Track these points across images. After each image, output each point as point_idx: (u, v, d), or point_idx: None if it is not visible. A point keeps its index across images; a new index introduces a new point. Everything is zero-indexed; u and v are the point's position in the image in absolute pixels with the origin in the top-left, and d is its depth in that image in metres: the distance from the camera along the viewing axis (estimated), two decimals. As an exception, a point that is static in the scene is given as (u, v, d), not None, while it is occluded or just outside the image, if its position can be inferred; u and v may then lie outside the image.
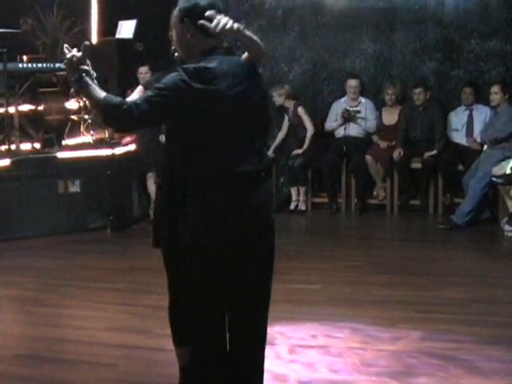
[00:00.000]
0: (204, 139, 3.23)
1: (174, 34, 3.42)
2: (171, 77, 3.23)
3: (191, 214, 3.29)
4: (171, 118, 3.29)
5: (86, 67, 3.32)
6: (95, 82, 3.34)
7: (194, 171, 3.28)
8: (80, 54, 3.34)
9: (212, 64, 3.23)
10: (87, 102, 3.37)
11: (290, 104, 9.96)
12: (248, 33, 3.28)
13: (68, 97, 8.86)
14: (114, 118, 3.26)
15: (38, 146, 8.66)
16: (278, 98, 9.88)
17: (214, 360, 3.40)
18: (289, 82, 10.19)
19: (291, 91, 10.01)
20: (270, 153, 9.54)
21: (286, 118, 10.00)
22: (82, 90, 3.32)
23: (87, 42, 3.41)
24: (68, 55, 3.31)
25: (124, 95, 7.13)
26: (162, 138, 4.19)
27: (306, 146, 9.78)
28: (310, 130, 9.86)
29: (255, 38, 3.33)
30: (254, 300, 3.44)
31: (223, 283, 3.34)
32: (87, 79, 3.29)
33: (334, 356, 4.85)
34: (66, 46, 3.35)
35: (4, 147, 8.34)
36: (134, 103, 3.18)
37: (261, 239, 3.38)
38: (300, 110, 9.89)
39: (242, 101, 3.27)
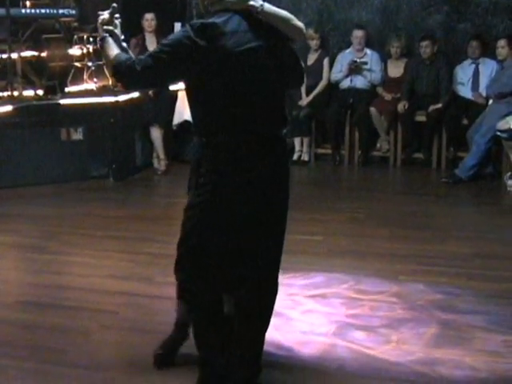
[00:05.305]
0: (217, 98, 3.23)
1: None
2: (177, 33, 3.27)
3: (205, 174, 3.32)
4: (177, 75, 3.34)
5: (110, 27, 3.44)
6: (122, 43, 3.46)
7: (208, 130, 3.30)
8: (107, 15, 3.47)
9: (221, 19, 3.22)
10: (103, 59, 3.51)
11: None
12: (270, 10, 3.32)
13: (71, 43, 8.79)
14: (119, 74, 3.31)
15: (40, 92, 8.61)
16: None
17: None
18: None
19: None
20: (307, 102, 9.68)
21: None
22: (102, 49, 3.42)
23: (115, 5, 3.51)
24: (100, 17, 3.47)
25: (128, 44, 7.06)
26: None
27: (312, 96, 9.74)
28: (324, 80, 9.83)
29: (281, 15, 3.36)
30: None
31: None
32: (109, 39, 3.40)
33: (334, 306, 4.88)
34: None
35: (6, 93, 8.30)
36: (138, 59, 3.25)
37: (274, 197, 3.43)
38: (326, 61, 9.82)
39: (254, 59, 3.26)
